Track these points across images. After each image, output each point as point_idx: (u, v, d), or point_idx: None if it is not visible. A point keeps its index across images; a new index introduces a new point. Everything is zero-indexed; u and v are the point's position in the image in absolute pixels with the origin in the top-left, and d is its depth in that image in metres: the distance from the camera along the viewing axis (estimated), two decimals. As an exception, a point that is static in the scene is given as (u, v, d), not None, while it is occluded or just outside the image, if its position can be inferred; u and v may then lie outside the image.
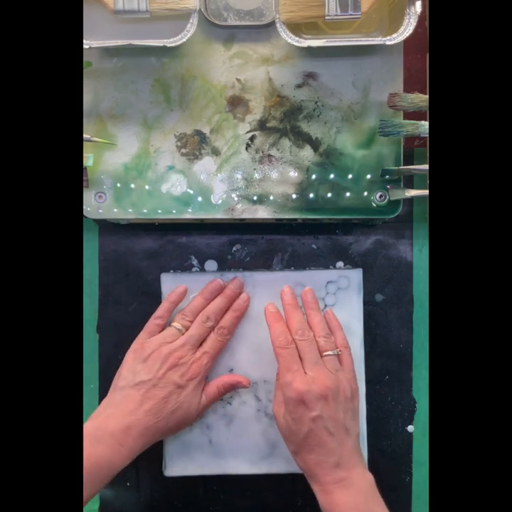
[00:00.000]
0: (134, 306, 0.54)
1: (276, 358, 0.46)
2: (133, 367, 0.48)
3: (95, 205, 0.50)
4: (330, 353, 0.46)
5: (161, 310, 0.50)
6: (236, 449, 0.51)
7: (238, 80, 0.49)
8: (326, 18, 0.44)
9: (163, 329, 0.50)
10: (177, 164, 0.50)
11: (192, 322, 0.50)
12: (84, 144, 0.47)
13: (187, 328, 0.49)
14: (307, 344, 0.46)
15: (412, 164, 0.52)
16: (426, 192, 0.47)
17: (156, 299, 0.52)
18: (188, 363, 0.48)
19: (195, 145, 0.50)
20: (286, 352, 0.46)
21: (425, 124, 0.46)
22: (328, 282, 0.52)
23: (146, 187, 0.50)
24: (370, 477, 0.43)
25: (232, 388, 0.51)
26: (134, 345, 0.49)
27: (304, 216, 0.50)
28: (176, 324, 0.49)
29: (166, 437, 0.50)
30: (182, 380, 0.47)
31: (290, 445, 0.46)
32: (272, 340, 0.47)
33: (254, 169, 0.50)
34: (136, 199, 0.50)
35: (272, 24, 0.48)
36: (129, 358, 0.49)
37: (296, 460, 0.45)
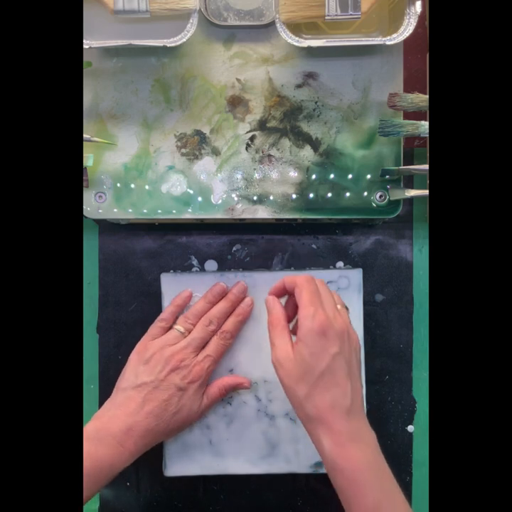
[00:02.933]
0: (134, 306, 0.54)
1: (296, 296, 0.42)
2: (135, 368, 0.48)
3: (95, 205, 0.50)
4: (340, 307, 0.44)
5: (165, 313, 0.50)
6: (236, 449, 0.51)
7: (238, 80, 0.49)
8: (326, 18, 0.44)
9: (166, 332, 0.50)
10: (177, 164, 0.50)
11: (194, 325, 0.50)
12: (84, 143, 0.47)
13: (190, 331, 0.49)
14: (326, 291, 0.44)
15: (412, 164, 0.52)
16: (426, 192, 0.47)
17: (156, 299, 0.53)
18: (189, 365, 0.48)
19: (195, 145, 0.50)
20: (312, 286, 0.43)
21: (425, 124, 0.46)
22: (328, 282, 0.52)
23: (146, 187, 0.50)
24: (374, 434, 0.41)
25: (234, 389, 0.51)
26: (138, 347, 0.49)
27: (304, 216, 0.50)
28: (178, 327, 0.49)
29: (168, 438, 0.50)
30: (183, 383, 0.47)
31: (302, 388, 0.40)
32: (296, 285, 0.43)
33: (254, 169, 0.50)
34: (136, 199, 0.50)
35: (272, 24, 0.48)
36: (132, 359, 0.49)
37: (306, 407, 0.40)
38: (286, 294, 0.45)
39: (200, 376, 0.48)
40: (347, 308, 0.46)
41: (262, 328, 0.51)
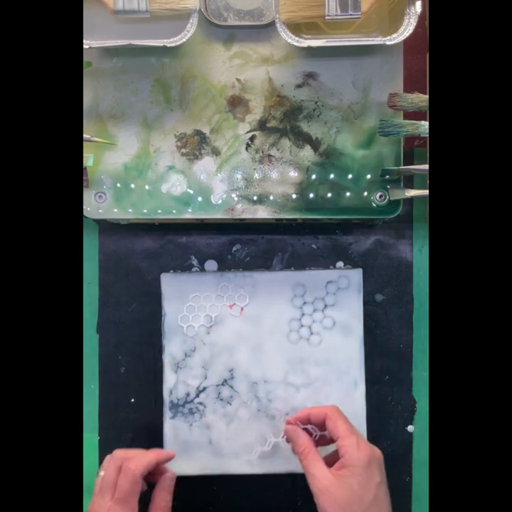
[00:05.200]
0: (134, 306, 0.54)
1: (335, 423, 0.43)
2: None
3: (95, 205, 0.50)
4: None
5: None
6: (236, 449, 0.51)
7: (238, 80, 0.49)
8: (326, 18, 0.44)
9: None
10: (177, 164, 0.50)
11: None
12: (84, 143, 0.47)
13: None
14: None
15: (412, 164, 0.52)
16: (426, 192, 0.47)
17: (156, 299, 0.53)
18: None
19: (195, 145, 0.50)
20: (343, 415, 0.44)
21: (425, 124, 0.46)
22: (328, 282, 0.52)
23: (146, 187, 0.50)
24: None
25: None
26: None
27: (304, 216, 0.50)
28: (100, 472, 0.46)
29: None
30: None
31: None
32: (327, 416, 0.44)
33: (254, 169, 0.50)
34: (136, 199, 0.50)
35: (272, 24, 0.48)
36: None
37: None
38: (309, 423, 0.46)
39: None
40: None
41: (262, 329, 0.51)
